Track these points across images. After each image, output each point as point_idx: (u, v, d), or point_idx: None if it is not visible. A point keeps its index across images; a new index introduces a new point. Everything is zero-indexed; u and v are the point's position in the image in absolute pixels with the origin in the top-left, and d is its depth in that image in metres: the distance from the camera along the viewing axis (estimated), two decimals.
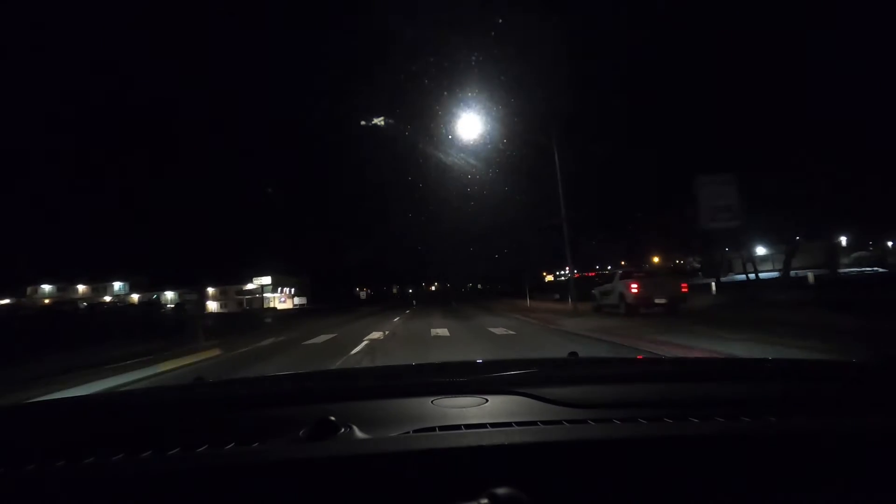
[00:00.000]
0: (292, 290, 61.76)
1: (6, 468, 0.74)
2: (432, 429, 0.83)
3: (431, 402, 0.99)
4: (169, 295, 59.66)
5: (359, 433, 0.81)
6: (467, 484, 0.61)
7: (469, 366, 1.73)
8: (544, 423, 0.84)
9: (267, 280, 51.02)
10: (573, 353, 1.61)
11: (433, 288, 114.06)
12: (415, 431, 0.82)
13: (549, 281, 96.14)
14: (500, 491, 0.53)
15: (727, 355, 5.09)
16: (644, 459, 0.70)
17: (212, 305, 58.78)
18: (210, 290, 58.97)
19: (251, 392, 1.19)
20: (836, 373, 1.15)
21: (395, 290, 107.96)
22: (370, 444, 0.76)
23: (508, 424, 0.82)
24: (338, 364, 6.59)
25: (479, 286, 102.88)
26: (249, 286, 57.14)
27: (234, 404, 1.05)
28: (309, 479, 0.66)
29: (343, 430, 0.80)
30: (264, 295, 57.78)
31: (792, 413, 0.85)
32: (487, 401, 0.97)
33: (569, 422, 0.84)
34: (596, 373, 1.28)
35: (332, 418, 0.81)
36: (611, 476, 0.66)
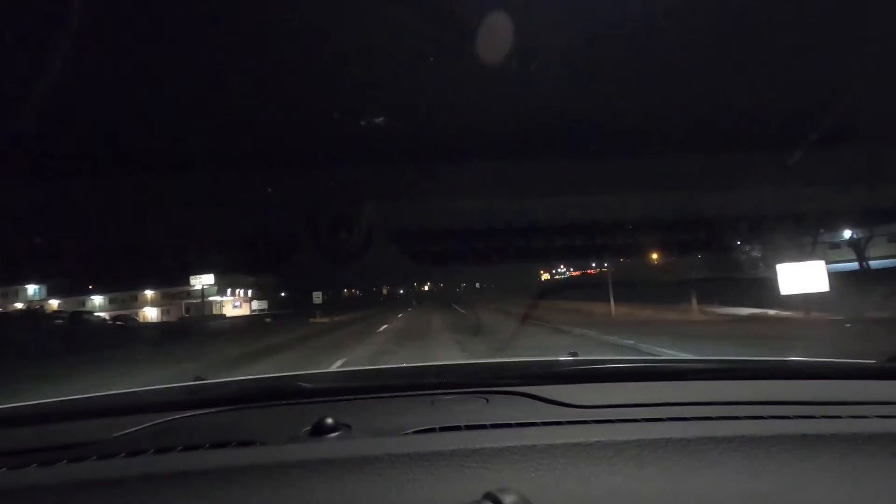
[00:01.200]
0: (249, 292, 51.22)
1: (8, 468, 0.75)
2: (432, 429, 0.82)
3: (432, 402, 0.98)
4: (97, 300, 48.91)
5: (358, 434, 0.81)
6: (467, 485, 0.62)
7: (470, 367, 1.71)
8: (544, 423, 0.83)
9: (209, 280, 40.23)
10: (573, 353, 1.55)
11: (426, 288, 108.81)
12: (415, 432, 0.82)
13: (545, 280, 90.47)
14: (500, 493, 0.53)
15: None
16: (644, 461, 0.70)
17: (150, 313, 48.20)
18: (148, 293, 48.28)
19: (250, 392, 1.18)
20: (848, 374, 1.11)
21: (385, 291, 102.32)
22: (370, 444, 0.76)
23: (508, 425, 0.82)
24: None
25: (478, 285, 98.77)
26: (200, 288, 46.52)
27: (233, 404, 1.04)
28: (308, 481, 0.67)
29: (342, 430, 0.81)
30: (212, 299, 47.24)
31: (796, 415, 0.84)
32: (488, 401, 0.97)
33: (569, 423, 0.84)
34: (597, 372, 1.24)
35: (332, 418, 0.82)
36: (611, 478, 0.66)
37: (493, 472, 0.66)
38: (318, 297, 25.68)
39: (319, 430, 0.79)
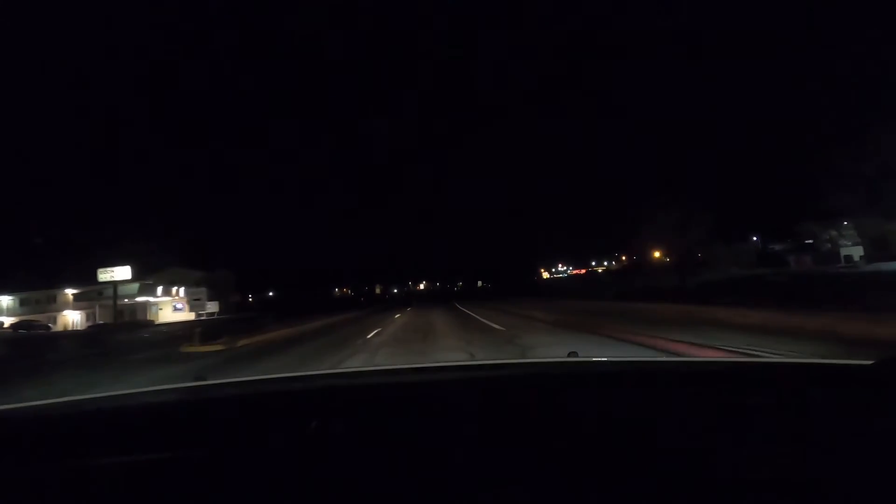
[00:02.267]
0: (197, 290, 41.76)
1: (13, 469, 0.77)
2: (434, 429, 0.84)
3: (433, 402, 1.01)
4: (4, 301, 39.40)
5: (360, 434, 0.83)
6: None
7: (470, 368, 1.69)
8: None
9: (124, 273, 30.73)
10: (573, 353, 1.60)
11: (421, 287, 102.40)
12: (413, 432, 0.84)
13: (546, 278, 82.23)
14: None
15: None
16: (647, 461, 0.72)
17: (73, 317, 38.77)
18: (69, 292, 38.82)
19: (249, 393, 1.19)
20: (846, 375, 1.10)
21: (378, 290, 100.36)
22: (371, 445, 0.78)
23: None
24: None
25: (480, 283, 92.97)
26: (136, 287, 37.10)
27: (232, 405, 1.05)
28: (309, 481, 0.69)
29: (343, 429, 0.83)
30: (145, 299, 37.86)
31: (804, 418, 0.86)
32: (490, 402, 1.00)
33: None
34: (598, 371, 1.26)
35: (333, 418, 0.84)
36: (609, 475, 0.69)
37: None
38: (202, 301, 14.68)
39: (321, 431, 0.81)
